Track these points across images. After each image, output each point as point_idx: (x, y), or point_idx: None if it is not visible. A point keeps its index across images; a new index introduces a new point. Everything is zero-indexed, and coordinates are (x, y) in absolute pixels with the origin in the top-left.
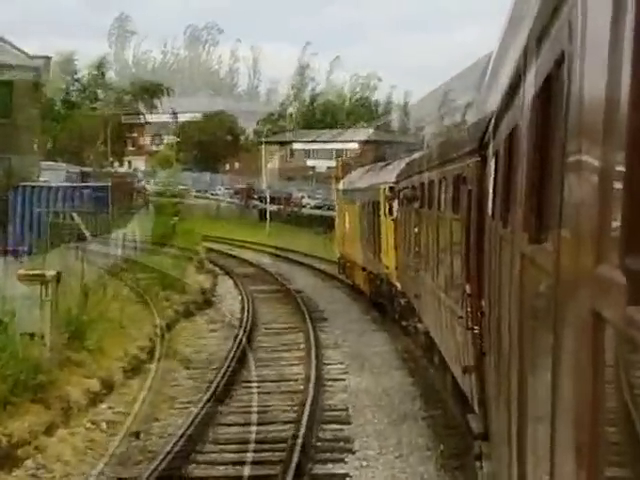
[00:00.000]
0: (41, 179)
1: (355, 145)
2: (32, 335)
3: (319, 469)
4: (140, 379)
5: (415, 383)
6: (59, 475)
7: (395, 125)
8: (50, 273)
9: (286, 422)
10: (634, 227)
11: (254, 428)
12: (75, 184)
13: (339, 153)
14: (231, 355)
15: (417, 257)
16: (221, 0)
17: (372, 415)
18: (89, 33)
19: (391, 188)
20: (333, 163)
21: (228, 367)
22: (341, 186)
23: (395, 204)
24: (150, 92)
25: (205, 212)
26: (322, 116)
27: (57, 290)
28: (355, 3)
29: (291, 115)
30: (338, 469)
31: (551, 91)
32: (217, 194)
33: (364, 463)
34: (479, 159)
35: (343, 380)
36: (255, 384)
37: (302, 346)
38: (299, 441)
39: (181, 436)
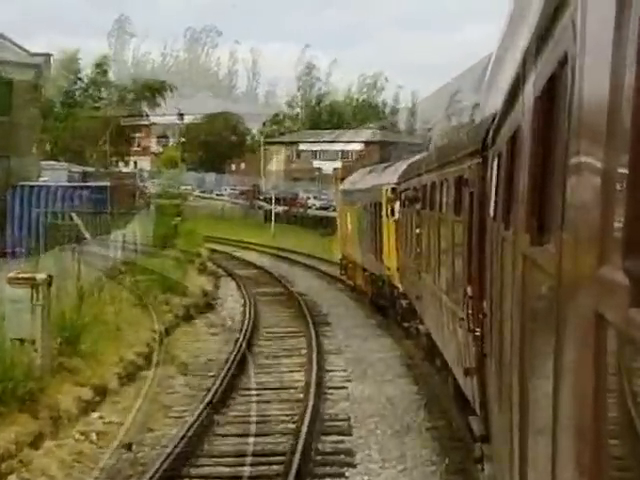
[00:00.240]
0: (42, 179)
1: (361, 146)
2: (22, 341)
3: None
4: (135, 386)
5: (419, 391)
6: None
7: (401, 125)
8: (41, 276)
9: (284, 433)
10: (637, 229)
11: (251, 440)
12: (74, 184)
13: (345, 154)
14: (230, 361)
15: (419, 259)
16: (222, 1)
17: (375, 425)
18: (91, 31)
19: (393, 189)
20: (340, 164)
21: (226, 374)
22: (343, 187)
23: (397, 205)
24: (153, 90)
25: (210, 213)
26: (329, 117)
27: (48, 294)
28: (358, 3)
29: (297, 116)
30: None
31: (554, 92)
32: (222, 195)
33: (365, 478)
34: (481, 161)
35: (345, 388)
36: (254, 392)
37: (304, 351)
38: (297, 454)
39: (175, 447)
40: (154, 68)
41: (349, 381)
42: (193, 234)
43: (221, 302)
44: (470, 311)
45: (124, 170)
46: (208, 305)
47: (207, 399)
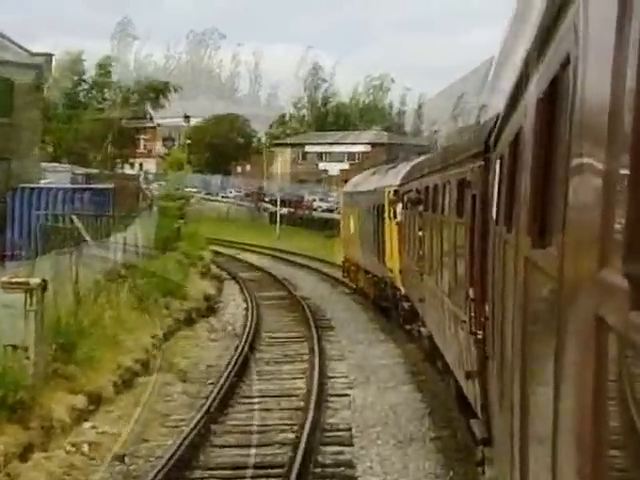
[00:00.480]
0: (46, 181)
1: (368, 148)
2: (15, 347)
3: None
4: (131, 394)
5: (424, 399)
6: None
7: (408, 127)
8: (35, 281)
9: (283, 444)
10: (637, 232)
11: (248, 451)
12: (75, 186)
13: (351, 156)
14: (230, 368)
15: (421, 261)
16: (225, 2)
17: (377, 436)
18: (94, 34)
19: (395, 191)
20: (346, 166)
21: (226, 381)
22: (346, 189)
23: (399, 207)
24: (157, 91)
25: (215, 215)
26: (335, 118)
27: (42, 299)
28: (363, 4)
29: (303, 117)
30: None
31: (556, 94)
32: (228, 197)
33: None
34: (483, 163)
35: (347, 395)
36: (253, 400)
37: (306, 357)
38: (295, 467)
39: (169, 459)
40: (156, 71)
41: (351, 388)
42: (196, 237)
43: (223, 306)
44: (472, 314)
45: (129, 172)
46: (210, 309)
47: (205, 407)
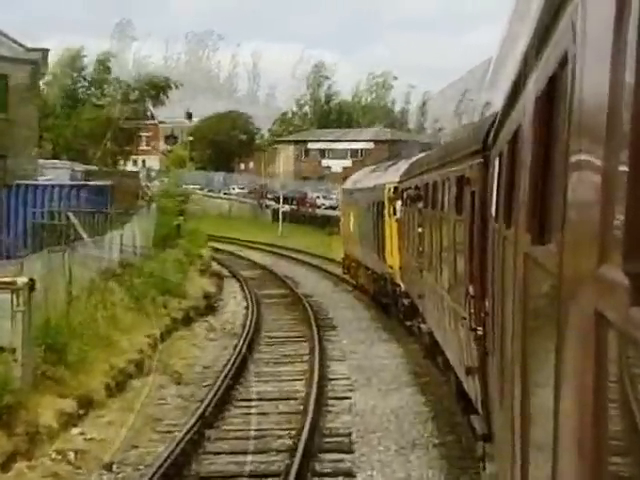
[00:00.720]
0: (45, 178)
1: (371, 145)
2: (1, 349)
3: None
4: (123, 397)
5: (427, 402)
6: None
7: (411, 124)
8: (22, 280)
9: (280, 451)
10: (637, 228)
11: (243, 458)
12: (72, 183)
13: (354, 153)
14: (227, 369)
15: (421, 257)
16: (226, 2)
17: (378, 441)
18: (93, 34)
19: (395, 188)
20: (348, 163)
21: (222, 383)
22: (346, 186)
23: (399, 204)
24: (158, 88)
25: (218, 212)
26: (338, 116)
27: (29, 299)
28: (368, 2)
29: (306, 115)
30: None
31: (554, 92)
32: (230, 194)
33: None
34: (482, 160)
35: (348, 398)
36: (250, 403)
37: (306, 358)
38: (292, 476)
39: (159, 467)
40: (155, 70)
41: (352, 390)
42: (196, 234)
43: (223, 304)
44: (472, 310)
45: (133, 169)
46: (209, 307)
47: (199, 412)
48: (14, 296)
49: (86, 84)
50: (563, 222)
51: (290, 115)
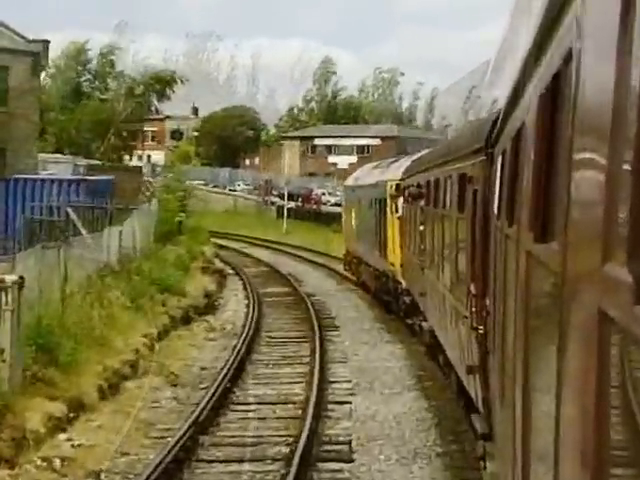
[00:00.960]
0: (46, 172)
1: (378, 141)
2: None
3: None
4: (115, 400)
5: (431, 408)
6: None
7: (419, 121)
8: (10, 278)
9: (276, 459)
10: None
11: (236, 467)
12: (72, 177)
13: (360, 149)
14: (225, 371)
15: (422, 255)
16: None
17: (379, 450)
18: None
19: (397, 185)
20: (355, 159)
21: (219, 386)
22: (348, 182)
23: (401, 202)
24: (163, 82)
25: (223, 208)
26: (344, 112)
27: (19, 297)
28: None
29: (312, 111)
30: None
31: (558, 89)
32: (236, 190)
33: None
34: (485, 158)
35: (349, 403)
36: (246, 407)
37: (306, 360)
38: None
39: (149, 476)
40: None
41: (353, 395)
42: (198, 231)
43: (224, 303)
44: (474, 308)
45: (138, 164)
46: (209, 306)
47: (194, 416)
48: (2, 294)
49: (90, 77)
50: (566, 220)
51: (296, 111)
